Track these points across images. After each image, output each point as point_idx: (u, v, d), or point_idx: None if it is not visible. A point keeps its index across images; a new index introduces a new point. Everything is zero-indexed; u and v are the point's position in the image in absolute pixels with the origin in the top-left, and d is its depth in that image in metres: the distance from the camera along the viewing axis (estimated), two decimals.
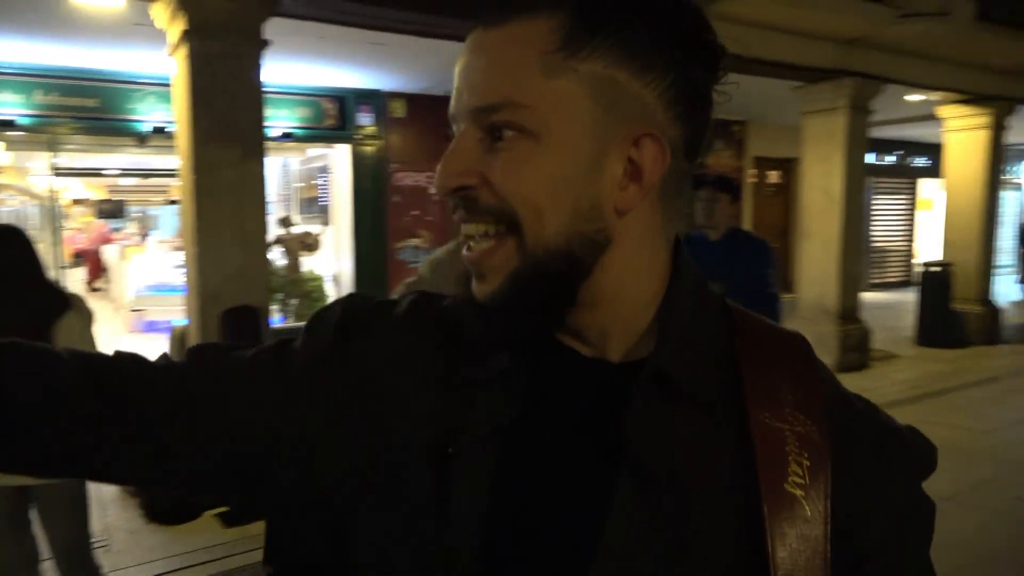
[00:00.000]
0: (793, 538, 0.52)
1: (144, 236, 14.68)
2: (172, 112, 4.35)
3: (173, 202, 16.43)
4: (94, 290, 12.81)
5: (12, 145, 7.69)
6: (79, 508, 2.35)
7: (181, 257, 9.88)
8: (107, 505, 3.83)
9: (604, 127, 0.53)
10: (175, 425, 0.58)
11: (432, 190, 8.66)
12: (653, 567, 0.52)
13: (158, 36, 5.48)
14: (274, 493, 0.62)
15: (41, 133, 6.79)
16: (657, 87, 0.54)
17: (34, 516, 2.35)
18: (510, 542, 0.54)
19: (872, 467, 0.57)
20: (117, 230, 14.52)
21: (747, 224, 11.29)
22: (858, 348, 7.43)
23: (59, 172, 8.07)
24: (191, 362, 0.62)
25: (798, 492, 0.53)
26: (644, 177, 0.54)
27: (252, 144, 4.04)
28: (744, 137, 11.19)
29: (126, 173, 9.99)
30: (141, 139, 7.31)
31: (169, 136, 7.21)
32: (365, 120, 8.29)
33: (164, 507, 3.60)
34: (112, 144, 7.42)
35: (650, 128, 0.54)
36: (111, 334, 8.10)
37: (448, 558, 0.54)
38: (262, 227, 4.13)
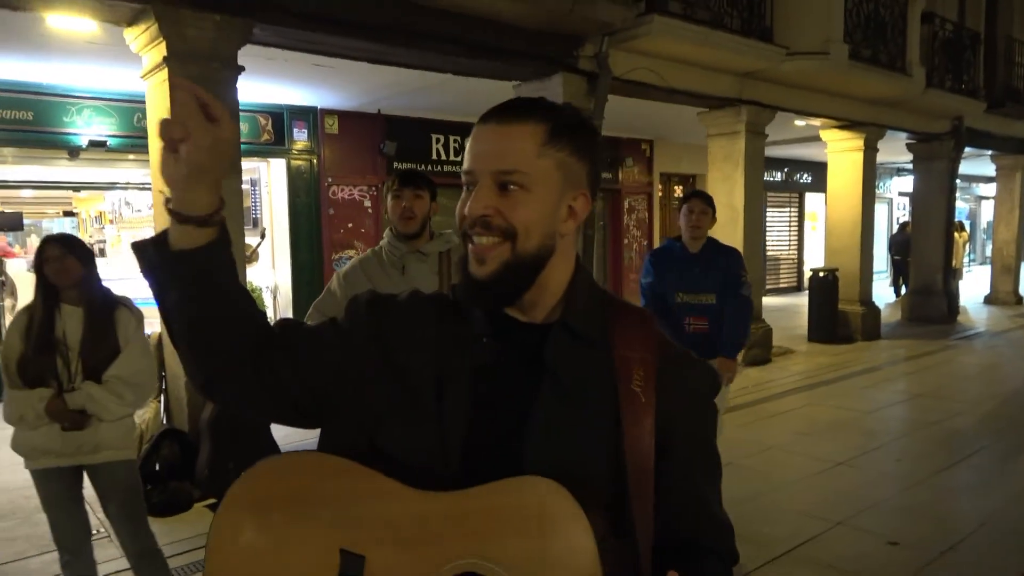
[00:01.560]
0: (635, 415, 0.89)
1: None
2: (148, 130, 4.54)
3: (69, 214, 15.67)
4: None
5: None
6: (132, 488, 2.63)
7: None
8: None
9: (562, 188, 0.91)
10: (311, 365, 0.94)
11: (367, 203, 9.02)
12: (565, 435, 0.88)
13: (106, 53, 5.61)
14: (337, 406, 0.95)
15: None
16: (586, 165, 0.93)
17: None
18: (480, 431, 0.89)
19: (680, 383, 0.94)
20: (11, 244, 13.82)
21: (655, 234, 12.19)
22: (762, 345, 8.32)
23: None
24: (292, 327, 0.98)
25: (638, 390, 0.89)
26: (577, 217, 0.93)
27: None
28: (652, 155, 12.11)
29: (52, 186, 9.69)
30: (73, 152, 7.30)
31: (108, 149, 7.26)
32: (300, 135, 8.54)
33: (158, 500, 3.82)
34: (42, 157, 7.34)
35: (583, 189, 0.93)
36: None
37: (443, 440, 0.89)
38: (240, 240, 4.42)
